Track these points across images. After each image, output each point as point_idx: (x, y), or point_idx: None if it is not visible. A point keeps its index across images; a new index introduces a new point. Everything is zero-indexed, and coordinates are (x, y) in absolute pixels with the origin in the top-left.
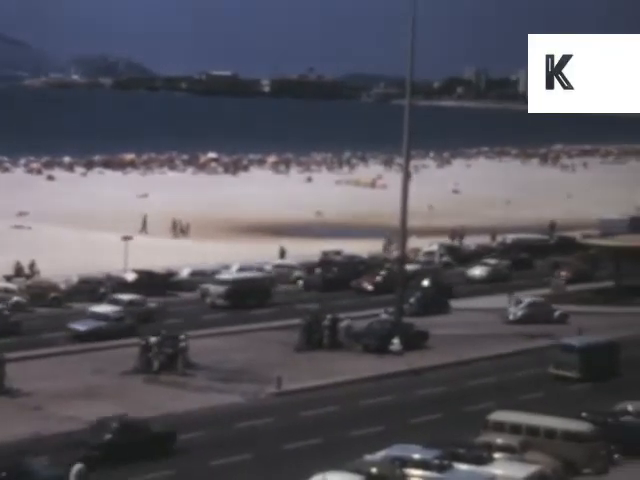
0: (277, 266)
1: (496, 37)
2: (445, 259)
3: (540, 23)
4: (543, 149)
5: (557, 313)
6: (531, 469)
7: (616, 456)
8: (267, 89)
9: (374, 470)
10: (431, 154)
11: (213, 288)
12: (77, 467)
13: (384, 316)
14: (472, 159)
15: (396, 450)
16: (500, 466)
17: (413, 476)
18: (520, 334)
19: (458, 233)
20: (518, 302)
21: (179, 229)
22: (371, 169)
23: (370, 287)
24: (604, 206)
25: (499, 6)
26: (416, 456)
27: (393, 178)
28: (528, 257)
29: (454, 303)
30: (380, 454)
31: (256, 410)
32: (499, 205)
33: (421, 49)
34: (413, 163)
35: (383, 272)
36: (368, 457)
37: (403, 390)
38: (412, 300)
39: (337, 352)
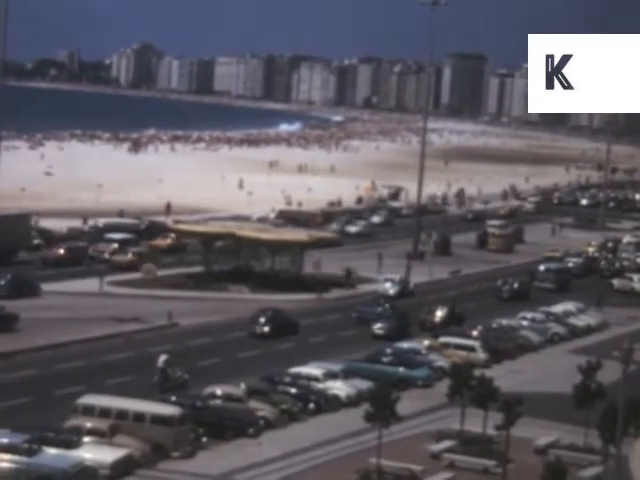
0: None
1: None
2: (37, 242)
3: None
4: (135, 134)
5: None
6: (119, 453)
7: (204, 439)
8: None
9: None
10: (23, 135)
11: None
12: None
13: None
14: (65, 142)
15: None
16: (89, 450)
17: (1, 460)
18: (112, 318)
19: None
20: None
21: None
22: None
23: None
24: (195, 189)
25: None
26: (4, 440)
27: None
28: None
29: (46, 286)
30: None
31: None
32: (91, 188)
33: (11, 29)
34: (4, 144)
35: None
36: None
37: None
38: (2, 282)
39: None
